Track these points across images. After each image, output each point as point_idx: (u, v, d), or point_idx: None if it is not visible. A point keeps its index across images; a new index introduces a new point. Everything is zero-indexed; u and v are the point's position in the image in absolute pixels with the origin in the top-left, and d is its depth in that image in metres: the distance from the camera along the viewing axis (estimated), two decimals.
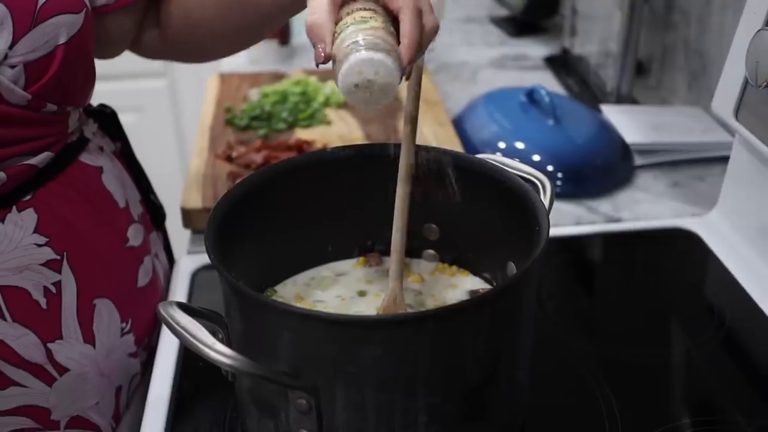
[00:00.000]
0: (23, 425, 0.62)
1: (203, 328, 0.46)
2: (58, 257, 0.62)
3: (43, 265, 0.61)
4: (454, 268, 0.66)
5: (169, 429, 0.60)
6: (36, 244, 0.60)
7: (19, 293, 0.60)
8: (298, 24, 1.42)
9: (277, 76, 1.19)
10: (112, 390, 0.67)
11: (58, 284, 0.62)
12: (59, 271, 0.62)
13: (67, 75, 0.60)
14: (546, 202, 0.55)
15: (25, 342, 0.61)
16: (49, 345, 0.62)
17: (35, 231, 0.60)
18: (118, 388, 0.68)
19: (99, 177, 0.67)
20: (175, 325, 0.46)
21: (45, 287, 0.61)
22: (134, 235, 0.71)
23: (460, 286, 0.65)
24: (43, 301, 0.61)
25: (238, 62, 1.36)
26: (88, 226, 0.65)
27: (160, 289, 0.75)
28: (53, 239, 0.61)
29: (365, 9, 0.53)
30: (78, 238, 0.64)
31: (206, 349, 0.45)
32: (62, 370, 0.63)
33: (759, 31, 0.68)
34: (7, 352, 0.60)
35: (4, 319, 0.59)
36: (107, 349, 0.66)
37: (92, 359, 0.65)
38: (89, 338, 0.65)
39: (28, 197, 0.60)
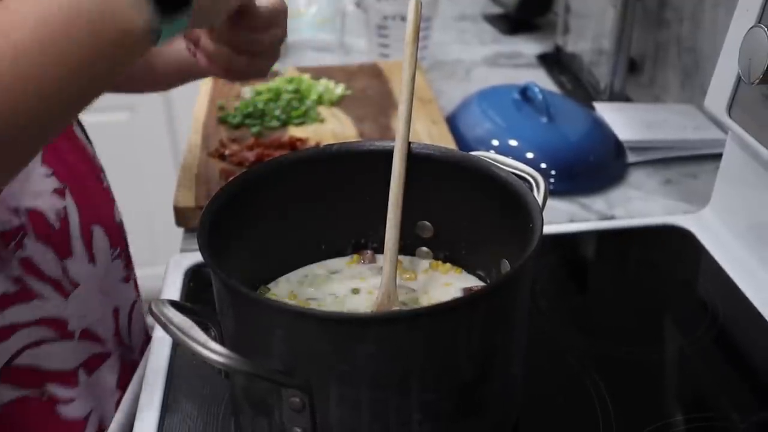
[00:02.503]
0: (45, 335, 0.69)
1: (196, 326, 0.46)
2: (62, 186, 0.70)
3: (53, 192, 0.69)
4: (448, 265, 0.66)
5: (162, 428, 0.60)
6: (45, 174, 0.68)
7: (39, 216, 0.67)
8: (293, 22, 1.42)
9: (270, 74, 1.19)
10: (110, 308, 0.76)
11: (64, 210, 0.70)
12: (64, 198, 0.70)
13: None
14: (539, 200, 0.55)
15: (46, 258, 0.68)
16: (64, 261, 0.69)
17: (42, 163, 0.68)
18: (115, 309, 0.77)
19: (72, 125, 0.75)
20: (168, 323, 0.46)
21: (56, 211, 0.69)
22: (104, 178, 0.79)
23: (454, 283, 0.65)
24: (57, 224, 0.69)
25: None
26: (77, 163, 0.74)
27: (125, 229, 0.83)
28: (55, 172, 0.69)
29: None
30: (72, 172, 0.71)
31: (199, 348, 0.45)
32: (74, 284, 0.71)
33: (752, 27, 0.68)
34: (32, 268, 0.67)
35: (30, 239, 0.67)
36: (105, 270, 0.75)
37: (95, 277, 0.73)
38: (91, 258, 0.73)
39: None
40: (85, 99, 0.52)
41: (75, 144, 0.75)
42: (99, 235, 0.74)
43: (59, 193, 0.69)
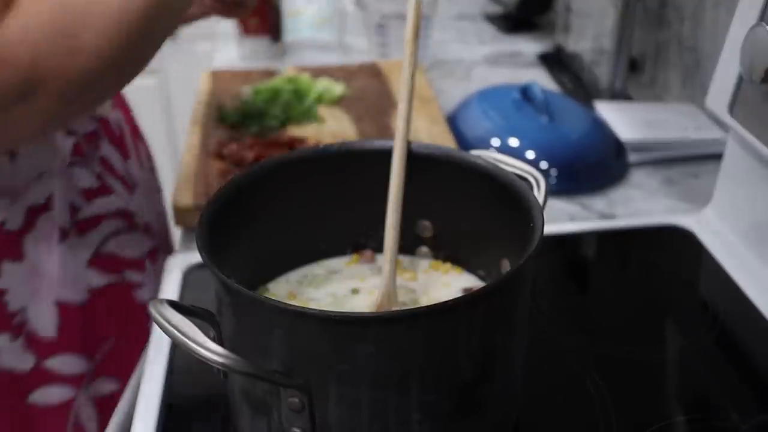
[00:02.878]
0: (120, 226, 0.83)
1: (194, 327, 0.45)
2: (114, 103, 0.88)
3: (113, 106, 0.86)
4: (448, 265, 0.66)
5: (161, 429, 0.60)
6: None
7: (106, 122, 0.84)
8: (293, 22, 1.42)
9: (270, 73, 1.19)
10: (154, 212, 0.92)
11: (120, 121, 0.88)
12: (119, 113, 0.89)
13: None
14: (540, 199, 0.55)
15: (115, 158, 0.84)
16: (126, 162, 0.86)
17: None
18: (157, 213, 0.95)
19: None
20: (166, 324, 0.46)
21: (116, 120, 0.87)
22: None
23: (454, 283, 0.64)
24: (117, 131, 0.87)
25: (230, 59, 1.36)
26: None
27: None
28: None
29: None
30: (120, 98, 0.92)
31: (198, 348, 0.45)
32: (135, 183, 0.87)
33: (753, 26, 0.68)
34: (107, 166, 0.83)
35: (103, 141, 0.83)
36: (147, 177, 0.94)
37: (144, 180, 0.91)
38: (140, 164, 0.92)
39: None
40: (169, 29, 0.67)
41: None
42: (141, 146, 0.94)
43: (115, 106, 0.87)
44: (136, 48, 0.62)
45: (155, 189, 0.97)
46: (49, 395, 0.77)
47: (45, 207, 0.75)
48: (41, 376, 0.77)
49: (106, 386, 0.81)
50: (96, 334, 0.80)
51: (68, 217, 0.77)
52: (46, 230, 0.75)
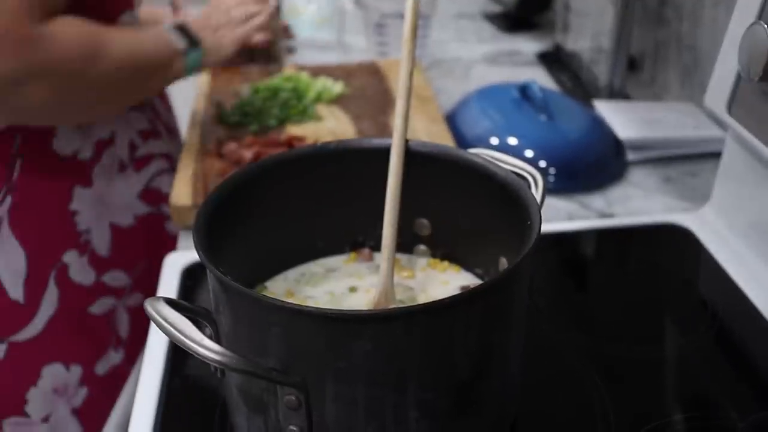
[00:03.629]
0: (164, 167, 1.00)
1: (191, 325, 0.45)
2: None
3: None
4: (446, 263, 0.66)
5: (158, 426, 0.60)
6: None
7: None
8: (293, 21, 1.42)
9: (268, 72, 1.18)
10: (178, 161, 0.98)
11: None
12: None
13: None
14: (538, 197, 0.55)
15: (161, 108, 1.02)
16: (168, 111, 1.06)
17: None
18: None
19: None
20: (163, 322, 0.46)
21: None
22: None
23: (452, 281, 0.64)
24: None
25: None
26: None
27: None
28: None
29: None
30: None
31: (194, 346, 0.44)
32: (173, 129, 1.07)
33: (751, 25, 0.68)
34: (156, 113, 1.00)
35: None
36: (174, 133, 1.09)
37: (175, 128, 1.09)
38: (170, 118, 1.08)
39: None
40: (145, 93, 0.94)
41: None
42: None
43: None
44: (131, 88, 0.88)
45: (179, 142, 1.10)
46: (102, 306, 0.92)
47: (110, 141, 0.91)
48: (99, 290, 0.91)
49: (138, 299, 0.96)
50: (137, 254, 0.96)
51: (128, 152, 0.93)
52: (109, 162, 0.91)
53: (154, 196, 0.98)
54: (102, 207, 0.90)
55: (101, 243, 0.91)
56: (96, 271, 0.90)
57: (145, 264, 0.97)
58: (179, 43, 0.91)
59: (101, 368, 0.92)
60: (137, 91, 0.90)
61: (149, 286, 0.90)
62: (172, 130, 1.05)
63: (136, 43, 0.86)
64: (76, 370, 0.89)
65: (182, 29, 0.92)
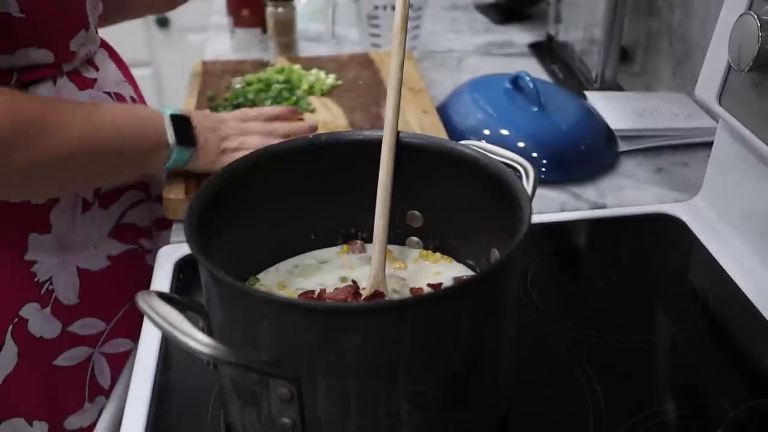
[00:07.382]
0: (138, 197, 0.88)
1: (184, 318, 0.46)
2: (131, 92, 0.91)
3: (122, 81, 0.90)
4: (438, 255, 0.66)
5: (151, 420, 0.60)
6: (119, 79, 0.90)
7: (122, 98, 0.88)
8: None
9: (261, 64, 1.18)
10: (159, 187, 0.90)
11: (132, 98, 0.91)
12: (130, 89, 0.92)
13: None
14: (529, 188, 0.55)
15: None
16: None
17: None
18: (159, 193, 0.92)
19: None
20: (155, 316, 0.46)
21: (130, 96, 0.91)
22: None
23: (444, 273, 0.64)
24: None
25: (222, 50, 1.35)
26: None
27: None
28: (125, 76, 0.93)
29: None
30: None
31: (187, 339, 0.45)
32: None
33: (742, 15, 0.68)
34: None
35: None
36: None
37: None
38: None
39: None
40: (119, 179, 0.84)
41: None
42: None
43: (126, 84, 0.91)
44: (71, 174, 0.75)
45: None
46: (71, 357, 0.83)
47: None
48: (66, 341, 0.83)
49: (120, 345, 0.87)
50: (112, 298, 0.86)
51: (90, 190, 0.83)
52: (68, 203, 0.80)
53: (130, 232, 0.88)
54: (65, 253, 0.81)
55: (67, 291, 0.82)
56: (62, 321, 0.82)
57: (125, 306, 0.87)
58: (169, 135, 0.79)
59: (72, 425, 0.84)
60: (98, 179, 0.80)
61: (132, 329, 0.83)
62: None
63: (100, 125, 0.75)
64: (41, 427, 0.82)
65: (183, 121, 0.82)
